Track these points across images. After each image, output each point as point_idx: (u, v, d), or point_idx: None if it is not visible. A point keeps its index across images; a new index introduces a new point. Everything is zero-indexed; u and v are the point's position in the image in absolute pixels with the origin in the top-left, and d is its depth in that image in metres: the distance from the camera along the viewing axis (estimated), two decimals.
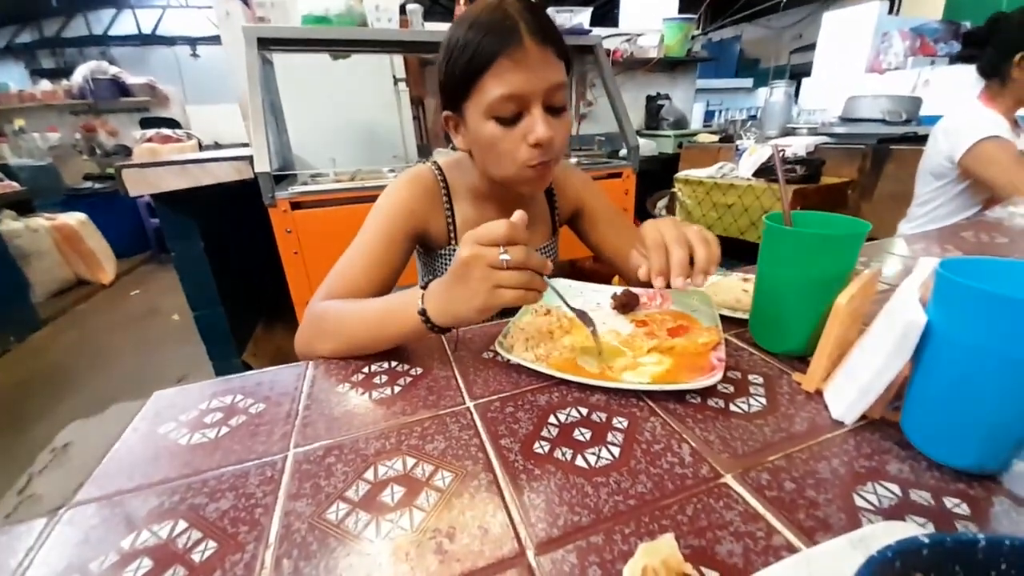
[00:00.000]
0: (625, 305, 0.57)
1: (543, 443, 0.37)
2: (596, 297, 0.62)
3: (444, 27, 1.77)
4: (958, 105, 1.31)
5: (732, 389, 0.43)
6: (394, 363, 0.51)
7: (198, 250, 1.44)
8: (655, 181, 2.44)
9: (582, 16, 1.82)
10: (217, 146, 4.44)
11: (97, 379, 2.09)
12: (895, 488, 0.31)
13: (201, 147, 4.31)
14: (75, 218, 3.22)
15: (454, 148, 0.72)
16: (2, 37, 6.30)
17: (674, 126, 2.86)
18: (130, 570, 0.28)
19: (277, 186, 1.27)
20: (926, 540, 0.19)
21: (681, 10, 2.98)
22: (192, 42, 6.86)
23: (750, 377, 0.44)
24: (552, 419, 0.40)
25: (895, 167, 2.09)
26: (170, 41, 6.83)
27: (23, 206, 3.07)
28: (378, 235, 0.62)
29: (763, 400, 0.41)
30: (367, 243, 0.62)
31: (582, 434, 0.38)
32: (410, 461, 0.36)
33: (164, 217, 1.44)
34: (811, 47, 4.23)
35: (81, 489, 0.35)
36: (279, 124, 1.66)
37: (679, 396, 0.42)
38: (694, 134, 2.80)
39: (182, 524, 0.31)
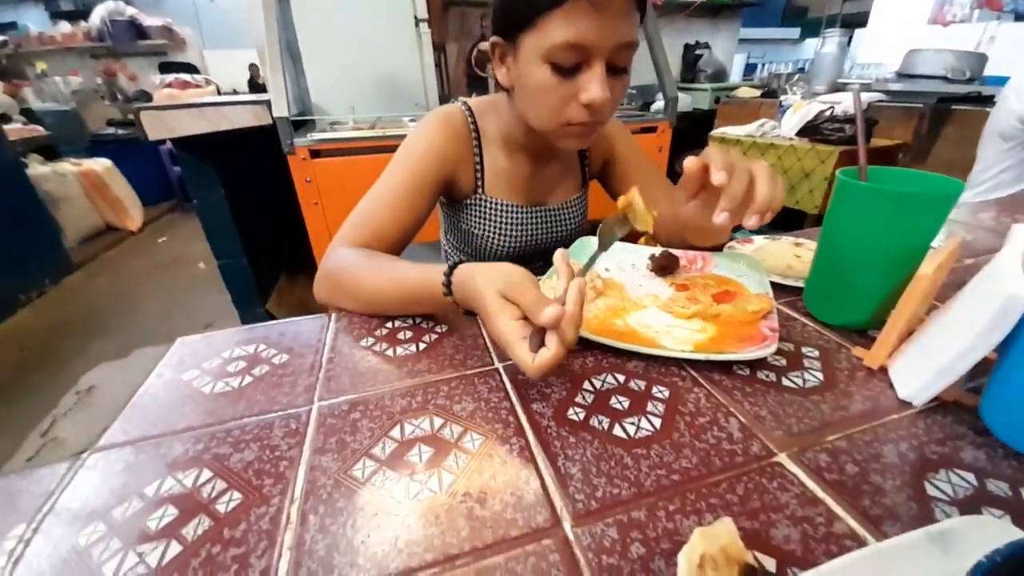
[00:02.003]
0: (664, 267, 0.54)
1: (577, 410, 0.35)
2: (630, 258, 0.59)
3: None
4: None
5: (784, 362, 0.39)
6: (418, 319, 0.49)
7: (219, 198, 1.43)
8: (688, 139, 2.30)
9: None
10: (236, 93, 4.36)
11: (127, 324, 2.17)
12: (970, 477, 0.28)
13: (220, 93, 4.23)
14: (100, 164, 3.25)
15: (476, 94, 0.66)
16: None
17: (712, 79, 2.66)
18: (155, 517, 0.28)
19: (296, 133, 1.23)
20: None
21: None
22: None
23: (804, 350, 0.41)
24: (587, 385, 0.38)
25: (954, 130, 1.92)
26: None
27: (49, 151, 3.10)
28: (407, 178, 0.58)
29: (819, 375, 0.38)
30: (395, 187, 0.58)
31: (619, 402, 0.35)
32: (437, 421, 0.34)
33: (185, 164, 1.42)
34: None
35: (105, 433, 0.35)
36: (297, 68, 1.59)
37: (725, 367, 0.39)
38: (734, 88, 2.60)
39: (207, 473, 0.31)
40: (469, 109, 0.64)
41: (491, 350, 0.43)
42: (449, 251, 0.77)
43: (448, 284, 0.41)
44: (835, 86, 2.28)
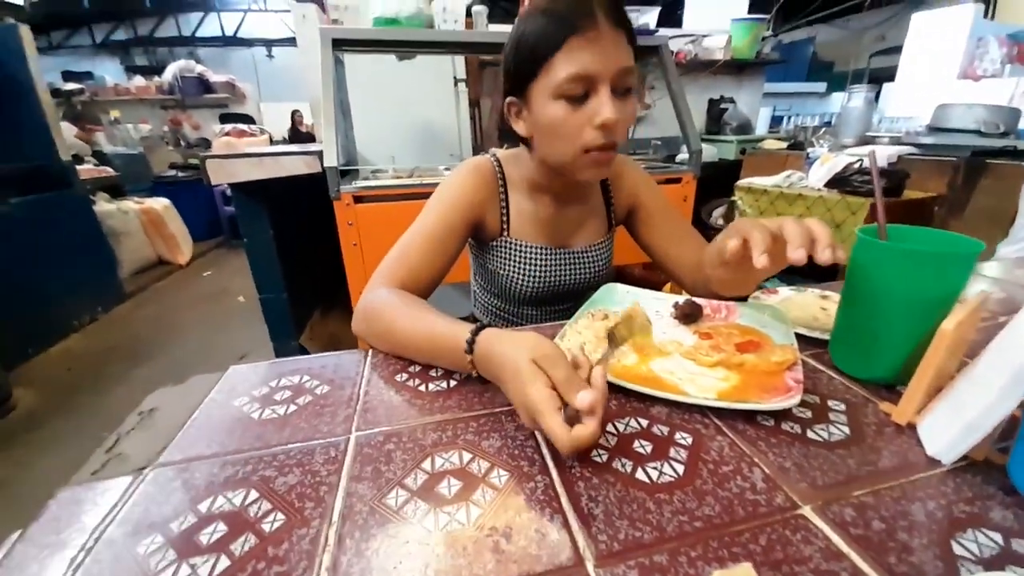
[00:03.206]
0: (688, 315, 0.55)
1: (600, 451, 0.36)
2: (654, 305, 0.60)
3: (506, 27, 1.78)
4: None
5: (810, 414, 0.40)
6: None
7: (268, 237, 1.54)
8: (714, 189, 2.34)
9: (649, 16, 1.77)
10: (286, 141, 4.73)
11: (169, 351, 2.29)
12: (997, 537, 0.28)
13: (272, 141, 4.61)
14: (160, 203, 3.54)
15: (508, 147, 0.72)
16: (99, 33, 7.04)
17: (737, 131, 2.72)
18: (206, 532, 0.30)
19: (342, 180, 1.33)
20: None
21: (751, 10, 2.84)
22: (268, 44, 7.37)
23: (830, 403, 0.41)
24: (610, 427, 0.39)
25: (991, 182, 1.88)
26: (248, 43, 7.36)
27: (115, 190, 3.42)
28: (438, 222, 0.63)
29: (846, 429, 0.38)
30: (427, 229, 0.63)
31: (642, 446, 0.36)
32: (466, 456, 0.36)
33: (239, 205, 1.54)
34: (894, 50, 3.91)
35: (164, 452, 0.38)
36: (347, 121, 1.74)
37: (749, 417, 0.39)
38: (759, 140, 2.66)
39: (253, 494, 0.33)
40: (497, 159, 0.70)
41: None
42: (477, 292, 0.81)
43: (471, 343, 0.41)
44: (864, 139, 2.30)
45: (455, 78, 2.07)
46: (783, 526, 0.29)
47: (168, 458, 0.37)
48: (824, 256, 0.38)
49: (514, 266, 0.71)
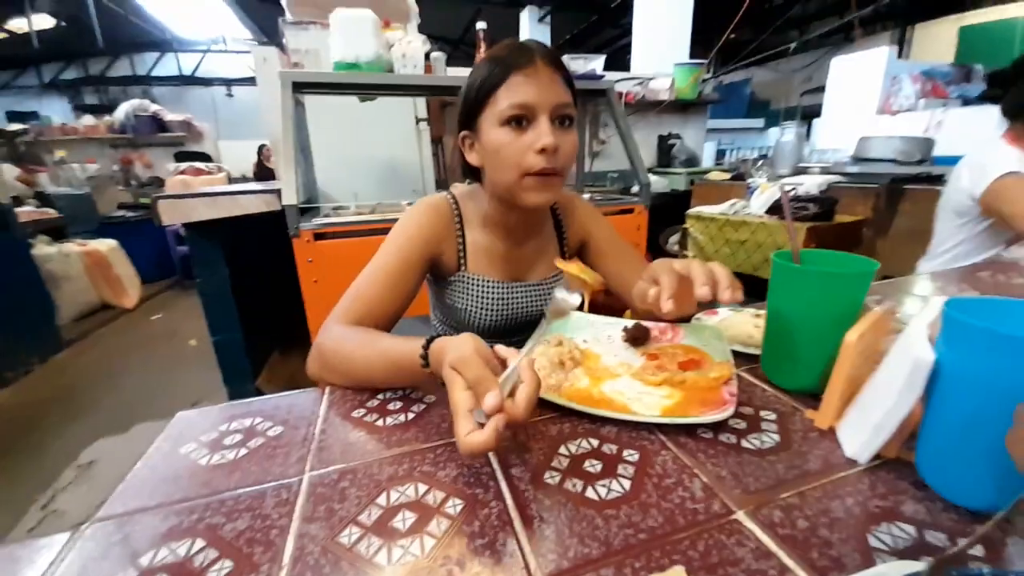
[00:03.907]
0: (636, 338, 0.58)
1: (554, 473, 0.37)
2: (607, 330, 0.63)
3: (465, 71, 1.88)
4: (982, 143, 1.32)
5: (744, 425, 0.43)
6: (408, 390, 0.52)
7: (223, 277, 1.50)
8: (667, 217, 2.48)
9: (596, 62, 1.91)
10: (245, 179, 4.65)
11: (112, 401, 2.13)
12: (910, 529, 0.31)
13: (230, 180, 4.52)
14: (106, 244, 3.37)
15: (470, 182, 0.75)
16: (48, 73, 6.82)
17: (685, 164, 2.92)
18: None
19: (302, 218, 1.33)
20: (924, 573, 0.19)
21: (692, 56, 3.10)
22: (228, 83, 7.34)
23: (762, 413, 0.44)
24: (563, 450, 0.40)
25: (910, 206, 2.09)
26: (207, 82, 7.31)
27: (58, 232, 3.23)
28: (395, 259, 0.65)
29: (776, 436, 0.41)
30: (384, 266, 0.64)
31: (592, 466, 0.38)
32: (422, 488, 0.37)
33: (193, 244, 1.50)
34: (821, 89, 4.33)
35: (103, 505, 0.36)
36: (307, 160, 1.75)
37: (690, 430, 0.42)
38: (706, 171, 2.85)
39: (200, 543, 0.32)
40: (453, 196, 0.73)
41: None
42: (437, 325, 0.82)
43: (425, 357, 0.44)
44: (797, 169, 2.51)
45: (416, 117, 2.14)
46: (719, 531, 0.31)
47: (108, 512, 0.36)
48: (724, 296, 0.43)
49: (472, 301, 0.72)
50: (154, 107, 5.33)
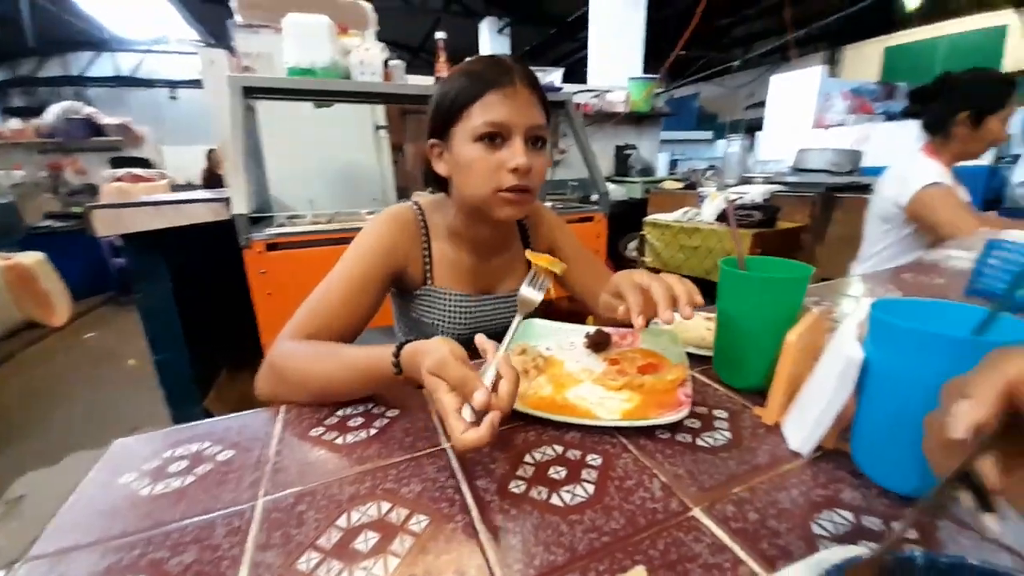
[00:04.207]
0: (598, 344, 0.60)
1: (519, 482, 0.38)
2: (570, 336, 0.65)
3: (426, 79, 1.88)
4: (905, 155, 1.44)
5: (699, 424, 0.45)
6: (370, 405, 0.51)
7: (166, 291, 1.40)
8: (626, 224, 2.56)
9: (554, 75, 1.96)
10: (192, 186, 4.39)
11: (41, 429, 1.93)
12: (849, 515, 0.33)
13: (174, 187, 4.26)
14: (32, 257, 3.07)
15: (433, 191, 0.75)
16: None
17: (641, 173, 3.04)
18: None
19: (253, 227, 1.27)
20: (864, 556, 0.20)
21: (645, 70, 3.24)
22: (172, 84, 6.93)
23: (715, 412, 0.47)
24: (528, 458, 0.41)
25: (842, 213, 2.26)
26: (149, 83, 6.88)
27: None
28: (356, 271, 0.63)
29: (728, 434, 0.43)
30: (345, 279, 0.62)
31: (557, 472, 0.39)
32: (385, 506, 0.36)
33: (132, 257, 1.40)
34: (763, 104, 4.64)
35: (36, 543, 0.33)
36: (258, 167, 1.68)
37: (649, 432, 0.43)
38: (660, 181, 2.98)
39: None
40: (419, 207, 0.71)
41: (439, 429, 0.45)
42: (402, 338, 0.80)
43: (397, 364, 0.45)
44: (742, 179, 2.67)
45: (375, 124, 2.10)
46: (677, 529, 0.32)
47: (41, 550, 0.33)
48: (685, 313, 0.46)
49: (439, 315, 0.71)
50: (88, 109, 4.95)
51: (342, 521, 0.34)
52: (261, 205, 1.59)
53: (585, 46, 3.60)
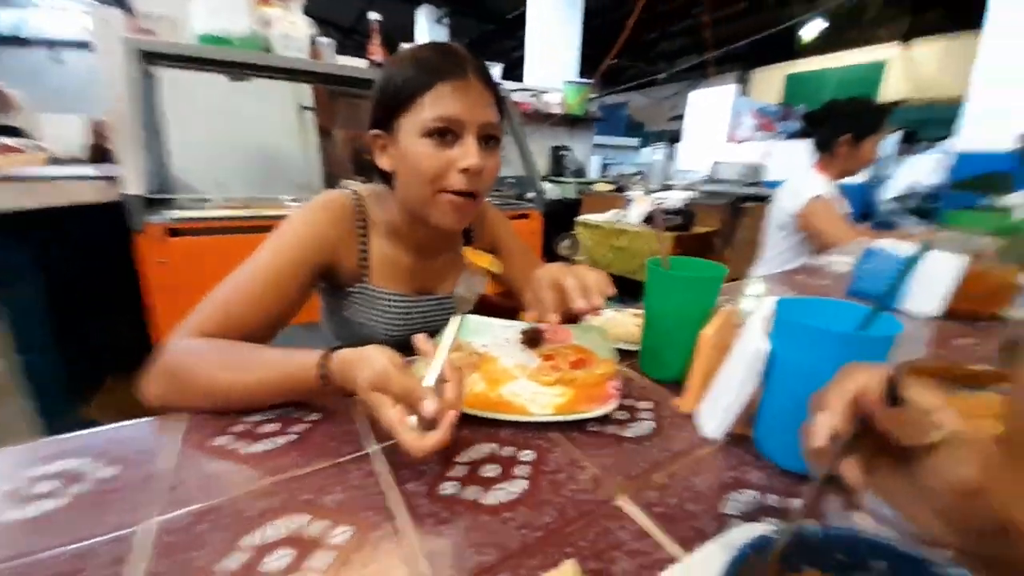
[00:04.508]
0: (532, 340, 0.60)
1: (451, 483, 0.37)
2: (505, 333, 0.64)
3: (358, 62, 1.77)
4: (799, 170, 1.64)
5: (626, 416, 0.47)
6: (287, 409, 0.47)
7: (37, 282, 1.19)
8: (559, 223, 2.63)
9: (493, 71, 1.96)
10: (76, 161, 3.78)
11: None
12: (754, 494, 0.37)
13: (53, 161, 3.63)
14: None
15: (365, 181, 0.70)
16: None
17: (575, 175, 3.14)
18: None
19: (149, 210, 1.12)
20: (772, 535, 0.22)
21: (580, 75, 3.35)
22: (53, 44, 5.90)
23: (640, 403, 0.49)
24: (461, 457, 0.40)
25: (748, 220, 2.51)
26: (25, 42, 5.80)
27: None
28: (279, 262, 0.56)
29: (651, 424, 0.45)
30: (263, 270, 0.55)
31: (490, 470, 0.38)
32: (303, 518, 0.33)
33: None
34: (684, 117, 5.01)
35: None
36: (158, 142, 1.49)
37: (580, 425, 0.44)
38: (592, 183, 3.10)
39: None
40: (358, 196, 0.65)
41: (362, 434, 0.43)
42: (331, 339, 0.75)
43: (325, 374, 0.42)
44: (665, 185, 2.87)
45: (301, 105, 1.95)
46: (605, 518, 0.33)
47: None
48: (595, 302, 0.49)
49: (374, 314, 0.67)
50: None
51: (252, 539, 0.31)
52: (160, 185, 1.41)
53: (523, 45, 3.64)
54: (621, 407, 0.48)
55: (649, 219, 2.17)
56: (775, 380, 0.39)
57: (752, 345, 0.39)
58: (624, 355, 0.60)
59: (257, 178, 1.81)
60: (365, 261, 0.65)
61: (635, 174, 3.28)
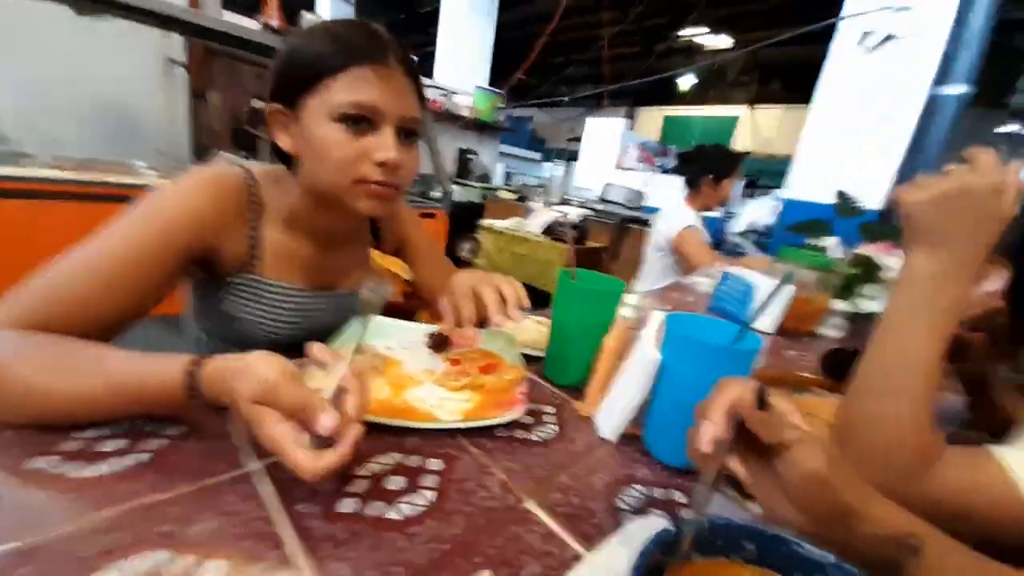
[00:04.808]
0: (440, 344, 0.59)
1: (350, 500, 0.34)
2: (411, 335, 0.62)
3: (249, 23, 1.56)
4: (672, 201, 1.90)
5: (532, 420, 0.48)
6: (136, 421, 0.38)
7: None
8: (464, 225, 2.63)
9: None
10: None
11: None
12: (643, 489, 0.40)
13: None
14: None
15: (246, 156, 0.62)
16: None
17: (480, 179, 3.18)
18: None
19: None
20: (672, 529, 0.25)
21: (490, 84, 3.41)
22: None
23: (545, 408, 0.51)
24: (362, 470, 0.37)
25: (632, 240, 2.80)
26: None
27: None
28: (145, 242, 0.46)
29: (555, 427, 0.47)
30: (121, 250, 0.45)
31: (395, 482, 0.36)
32: (162, 555, 0.27)
33: None
34: (581, 139, 5.44)
35: None
36: None
37: (488, 432, 0.44)
38: (496, 189, 3.17)
39: None
40: (251, 175, 0.56)
41: (240, 449, 0.37)
42: (203, 336, 0.64)
43: (194, 386, 0.35)
44: (564, 200, 3.06)
45: (169, 58, 1.65)
46: (514, 523, 0.34)
47: None
48: (513, 315, 0.51)
49: (263, 310, 0.58)
50: None
51: None
52: None
53: (433, 41, 3.58)
54: (528, 412, 0.49)
55: (549, 230, 2.29)
56: (663, 385, 0.44)
57: (647, 354, 0.44)
58: (529, 361, 0.62)
59: (104, 136, 1.47)
60: (256, 249, 0.57)
61: (537, 186, 3.44)
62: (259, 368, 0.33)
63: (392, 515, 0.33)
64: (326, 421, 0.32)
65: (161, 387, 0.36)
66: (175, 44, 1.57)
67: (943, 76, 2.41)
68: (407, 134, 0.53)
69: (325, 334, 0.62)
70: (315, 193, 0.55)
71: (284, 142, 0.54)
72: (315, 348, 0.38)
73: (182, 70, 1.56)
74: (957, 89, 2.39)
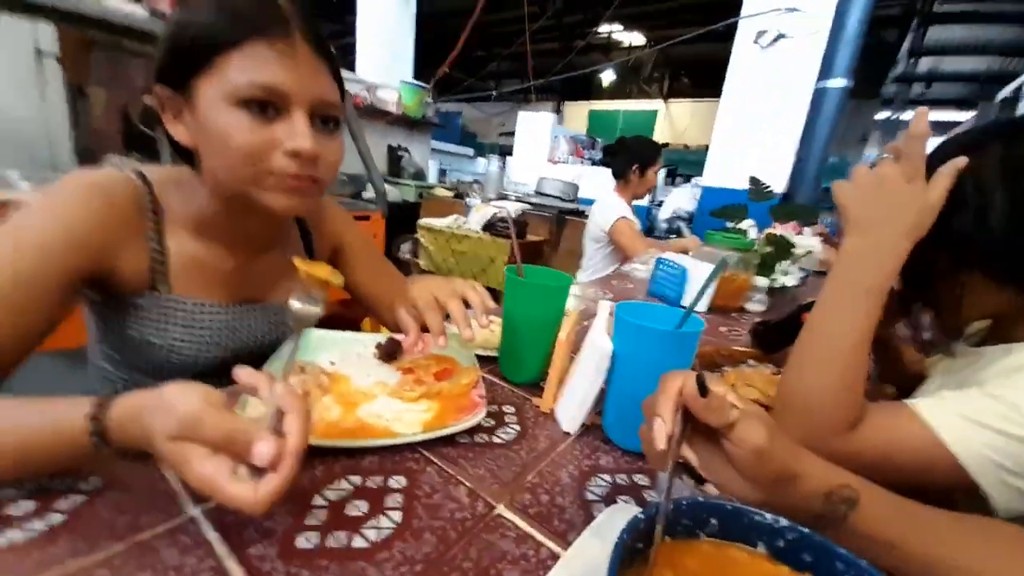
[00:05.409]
0: (390, 353, 0.56)
1: (309, 534, 0.31)
2: (356, 347, 0.59)
3: (133, 8, 1.38)
4: (603, 192, 1.96)
5: (493, 422, 0.48)
6: (45, 479, 0.33)
7: None
8: (400, 225, 2.55)
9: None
10: None
11: None
12: (608, 477, 0.42)
13: None
14: None
15: (140, 159, 0.54)
16: None
17: (414, 177, 3.09)
18: None
19: None
20: (642, 516, 0.25)
21: (415, 77, 3.32)
22: None
23: (504, 408, 0.51)
24: (318, 500, 0.34)
25: (570, 232, 2.87)
26: None
27: None
28: (11, 275, 0.39)
29: (517, 427, 0.47)
30: None
31: (357, 508, 0.34)
32: None
33: None
34: (513, 133, 5.47)
35: None
36: None
37: (450, 440, 0.43)
38: (432, 187, 3.10)
39: None
40: (145, 180, 0.49)
41: (180, 494, 0.33)
42: (107, 367, 0.55)
43: (100, 432, 0.30)
44: (500, 195, 3.06)
45: (39, 50, 1.41)
46: (487, 531, 0.33)
47: None
48: (482, 322, 0.51)
49: (178, 331, 0.52)
50: None
51: None
52: None
53: (351, 32, 3.41)
54: (488, 414, 0.49)
55: (489, 226, 2.29)
56: (617, 374, 0.45)
57: (599, 345, 0.45)
58: (482, 361, 0.61)
59: None
60: (159, 264, 0.50)
61: (473, 182, 3.42)
62: (176, 400, 0.29)
63: (357, 543, 0.31)
64: (263, 448, 0.28)
65: (61, 437, 0.31)
66: (48, 35, 1.35)
67: (827, 71, 2.73)
68: (324, 121, 0.47)
69: (258, 354, 0.57)
70: (222, 193, 0.49)
71: (180, 134, 0.46)
72: (243, 373, 0.33)
73: (57, 64, 1.34)
74: (839, 83, 2.72)
